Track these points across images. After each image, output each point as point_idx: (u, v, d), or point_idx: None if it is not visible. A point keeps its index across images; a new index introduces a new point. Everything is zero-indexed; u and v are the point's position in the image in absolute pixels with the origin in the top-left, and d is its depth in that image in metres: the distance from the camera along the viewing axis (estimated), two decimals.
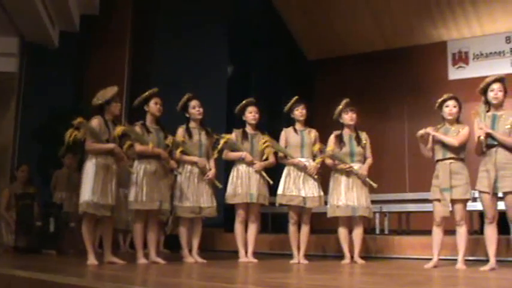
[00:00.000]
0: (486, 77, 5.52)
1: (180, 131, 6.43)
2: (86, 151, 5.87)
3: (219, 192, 6.52)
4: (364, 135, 6.42)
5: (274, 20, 12.03)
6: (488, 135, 5.22)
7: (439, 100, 5.80)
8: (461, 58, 12.35)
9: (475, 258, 6.25)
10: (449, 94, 5.81)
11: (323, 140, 6.44)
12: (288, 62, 12.53)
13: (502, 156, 5.21)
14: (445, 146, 5.59)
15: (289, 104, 6.56)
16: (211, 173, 6.40)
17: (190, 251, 6.37)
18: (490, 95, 5.38)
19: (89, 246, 5.78)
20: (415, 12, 11.48)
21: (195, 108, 6.50)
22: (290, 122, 6.63)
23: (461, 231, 5.54)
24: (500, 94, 5.36)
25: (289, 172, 6.37)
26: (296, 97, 6.59)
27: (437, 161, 5.66)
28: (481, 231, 5.60)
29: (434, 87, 11.20)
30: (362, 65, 12.66)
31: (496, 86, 5.37)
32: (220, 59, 10.34)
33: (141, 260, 5.96)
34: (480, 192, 5.34)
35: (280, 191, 6.33)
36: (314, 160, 6.37)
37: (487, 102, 5.44)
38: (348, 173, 6.22)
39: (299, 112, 6.51)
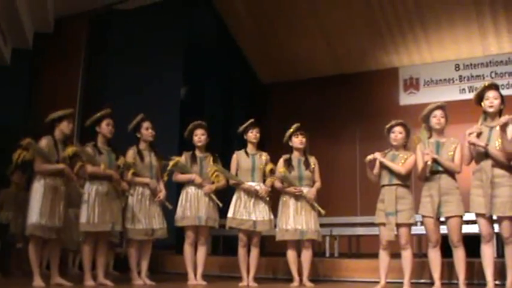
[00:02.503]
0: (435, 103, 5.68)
1: (131, 153, 6.40)
2: (35, 172, 5.80)
3: (169, 214, 6.49)
4: (312, 159, 6.46)
5: (229, 44, 12.11)
6: (434, 160, 5.34)
7: (387, 126, 5.91)
8: (412, 84, 12.62)
9: (423, 281, 6.35)
10: (397, 120, 5.91)
11: (274, 163, 6.48)
12: (241, 85, 12.60)
13: (446, 182, 5.34)
14: (392, 172, 5.69)
15: (244, 125, 6.57)
16: (161, 195, 6.39)
17: (139, 272, 6.32)
18: (433, 121, 5.50)
19: (35, 268, 5.67)
20: (368, 38, 11.70)
21: (148, 130, 6.49)
22: (243, 145, 6.65)
23: (406, 255, 5.62)
24: (443, 120, 5.50)
25: (239, 195, 6.38)
26: (252, 120, 6.61)
27: (383, 185, 5.76)
28: None
29: (385, 112, 11.40)
30: (315, 89, 12.79)
31: (438, 113, 5.50)
32: (174, 81, 10.32)
33: (89, 282, 5.88)
34: (423, 216, 5.46)
35: (230, 214, 6.32)
36: (265, 183, 6.41)
37: (429, 129, 5.58)
38: (297, 196, 6.24)
39: (253, 135, 6.53)
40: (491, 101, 5.13)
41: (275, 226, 6.40)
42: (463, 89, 12.01)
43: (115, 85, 10.01)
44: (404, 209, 5.60)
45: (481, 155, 5.10)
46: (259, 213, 6.31)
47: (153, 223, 6.30)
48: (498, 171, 4.99)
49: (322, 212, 6.30)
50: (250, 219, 6.28)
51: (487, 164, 5.04)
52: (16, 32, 9.32)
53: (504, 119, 4.86)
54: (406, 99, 12.53)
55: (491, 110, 5.13)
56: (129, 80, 9.83)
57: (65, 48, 10.05)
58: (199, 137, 6.62)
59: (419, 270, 6.41)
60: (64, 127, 5.94)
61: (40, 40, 10.00)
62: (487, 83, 5.28)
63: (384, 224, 5.65)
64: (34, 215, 5.61)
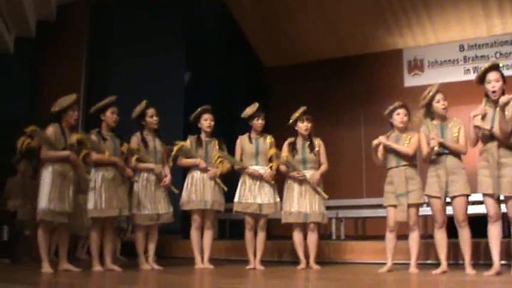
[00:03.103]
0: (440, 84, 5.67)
1: (135, 139, 6.42)
2: (42, 159, 5.84)
3: (175, 200, 6.52)
4: (318, 142, 6.46)
5: (232, 28, 12.06)
6: (441, 145, 5.34)
7: (390, 107, 5.90)
8: (417, 66, 12.54)
9: (429, 262, 6.38)
10: (400, 102, 5.90)
11: (278, 147, 6.48)
12: (245, 69, 12.57)
13: (452, 162, 5.35)
14: (399, 154, 5.70)
15: (249, 111, 6.55)
16: (167, 179, 6.41)
17: (146, 258, 6.36)
18: (437, 106, 5.47)
19: (44, 254, 5.73)
20: (371, 20, 11.63)
21: (152, 117, 6.49)
22: (247, 129, 6.66)
23: (414, 236, 5.64)
24: (446, 102, 5.48)
25: (245, 180, 6.41)
26: (257, 105, 6.59)
27: (391, 168, 5.76)
28: None
29: (390, 94, 11.31)
30: (318, 72, 12.74)
31: (440, 97, 5.49)
32: (178, 67, 10.30)
33: (97, 268, 5.94)
34: (430, 197, 5.46)
35: (236, 198, 6.37)
36: (269, 166, 6.42)
37: (430, 113, 5.57)
38: (301, 180, 6.27)
39: (259, 123, 6.53)
40: (493, 84, 5.09)
41: (281, 209, 6.42)
42: (468, 70, 11.93)
43: (118, 71, 10.01)
44: (415, 189, 5.62)
45: (486, 137, 5.08)
46: (265, 196, 6.34)
47: (158, 208, 6.33)
48: (504, 152, 4.98)
49: (325, 196, 6.31)
50: (255, 202, 6.31)
51: (493, 145, 5.02)
52: (19, 21, 9.34)
53: (505, 98, 4.83)
54: (410, 80, 12.46)
55: (494, 95, 5.08)
56: (133, 66, 9.82)
57: (68, 35, 10.06)
58: (209, 122, 6.62)
59: (425, 251, 6.45)
60: (68, 117, 5.96)
61: (43, 28, 10.02)
62: (487, 65, 5.25)
63: (393, 206, 5.67)
64: (43, 200, 5.67)
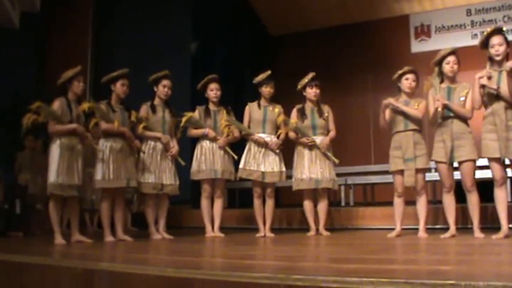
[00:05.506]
0: None
1: (144, 108, 6.45)
2: (50, 133, 5.87)
3: (185, 170, 6.56)
4: (326, 108, 6.47)
5: None
6: (445, 107, 5.33)
7: (400, 72, 5.87)
8: (424, 31, 12.44)
9: (438, 227, 6.42)
10: (409, 67, 5.88)
11: (286, 115, 6.48)
12: (251, 38, 12.48)
13: (458, 127, 5.34)
14: (407, 118, 5.69)
15: (260, 77, 6.55)
16: (174, 150, 6.43)
17: (157, 228, 6.42)
18: (446, 67, 5.46)
19: (56, 226, 5.82)
20: None
21: (165, 87, 6.51)
22: (255, 97, 6.67)
23: (422, 201, 5.68)
24: (456, 67, 5.46)
25: (250, 147, 6.44)
26: (269, 72, 6.58)
27: (398, 132, 5.76)
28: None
29: (397, 60, 11.25)
30: (325, 39, 12.67)
31: (451, 59, 5.46)
32: (184, 37, 10.25)
33: (109, 238, 6.01)
34: (437, 162, 5.47)
35: (241, 165, 6.41)
36: (277, 135, 6.43)
37: (441, 74, 5.55)
38: (311, 146, 6.28)
39: (267, 90, 6.53)
40: (496, 48, 5.10)
41: (290, 177, 6.45)
42: (475, 35, 11.81)
43: (125, 42, 9.98)
44: (422, 154, 5.65)
45: (492, 98, 5.07)
46: (269, 164, 6.37)
47: (163, 178, 6.37)
48: (511, 114, 4.98)
49: (336, 160, 6.34)
50: (258, 170, 6.34)
51: (500, 106, 5.01)
52: None
53: (511, 63, 4.84)
54: (417, 46, 12.37)
55: (498, 58, 5.09)
56: (139, 37, 9.80)
57: (73, 8, 10.04)
58: (216, 92, 6.64)
59: (434, 216, 6.47)
60: (75, 87, 5.97)
61: (48, 2, 9.96)
62: (490, 29, 5.23)
63: (400, 172, 5.69)
64: (52, 175, 5.73)
